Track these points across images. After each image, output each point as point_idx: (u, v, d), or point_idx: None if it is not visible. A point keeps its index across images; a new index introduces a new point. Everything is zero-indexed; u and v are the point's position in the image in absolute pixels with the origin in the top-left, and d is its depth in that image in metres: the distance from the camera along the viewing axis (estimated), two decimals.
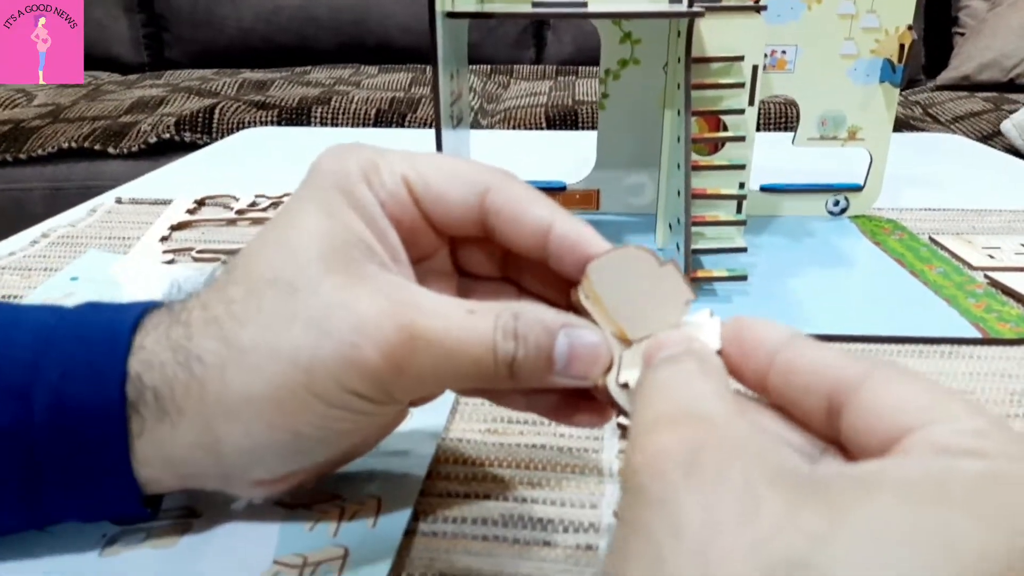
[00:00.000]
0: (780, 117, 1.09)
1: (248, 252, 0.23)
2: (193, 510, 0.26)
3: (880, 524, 0.13)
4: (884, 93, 0.55)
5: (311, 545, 0.25)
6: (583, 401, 0.24)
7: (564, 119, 1.21)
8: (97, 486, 0.23)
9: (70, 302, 0.42)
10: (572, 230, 0.23)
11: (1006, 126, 1.20)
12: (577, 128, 1.19)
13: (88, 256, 0.48)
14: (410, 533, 0.26)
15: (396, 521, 0.26)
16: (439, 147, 0.43)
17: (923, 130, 1.19)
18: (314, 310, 0.21)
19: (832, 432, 0.18)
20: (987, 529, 0.13)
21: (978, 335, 0.39)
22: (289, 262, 0.22)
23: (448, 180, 0.24)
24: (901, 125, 1.20)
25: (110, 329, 0.23)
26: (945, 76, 1.65)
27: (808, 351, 0.19)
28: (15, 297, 0.45)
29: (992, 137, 1.24)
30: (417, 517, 0.27)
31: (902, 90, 1.58)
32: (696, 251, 0.44)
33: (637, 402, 0.18)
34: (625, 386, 0.21)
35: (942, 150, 0.86)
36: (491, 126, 1.25)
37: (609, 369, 0.22)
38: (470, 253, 0.26)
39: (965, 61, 1.62)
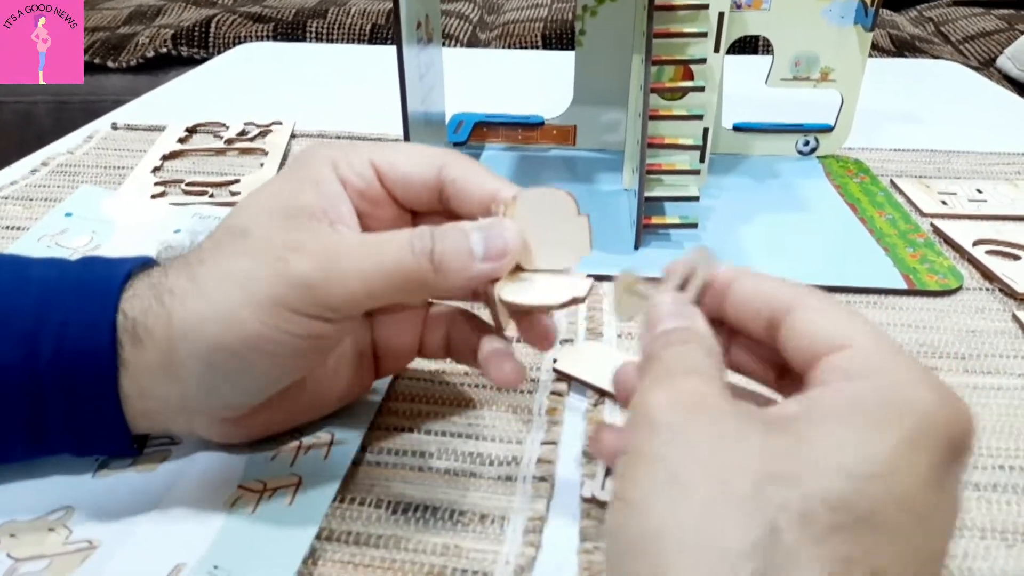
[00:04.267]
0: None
1: (223, 218, 0.27)
2: (172, 440, 0.31)
3: (822, 439, 0.18)
4: (857, 35, 0.55)
5: (271, 472, 0.29)
6: (507, 361, 0.28)
7: (560, 37, 1.19)
8: (92, 420, 0.27)
9: (65, 238, 0.46)
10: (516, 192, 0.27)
11: (1002, 60, 1.19)
12: (572, 46, 1.18)
13: (81, 192, 0.51)
14: (356, 463, 0.30)
15: (345, 452, 0.30)
16: (401, 70, 0.43)
17: (927, 53, 1.17)
18: (259, 244, 0.25)
19: (775, 346, 0.23)
20: (863, 435, 0.18)
21: (904, 286, 0.42)
22: (245, 215, 0.26)
23: (409, 160, 0.28)
24: (905, 47, 1.18)
25: (104, 283, 0.26)
26: None
27: (751, 282, 0.23)
28: (17, 228, 0.48)
29: (996, 60, 1.22)
30: (364, 449, 0.31)
31: (916, 5, 1.53)
32: (650, 198, 0.46)
33: (653, 366, 0.22)
34: (501, 302, 0.26)
35: (935, 81, 0.85)
36: (488, 42, 1.23)
37: (494, 283, 0.26)
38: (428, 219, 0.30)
39: None
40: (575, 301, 0.26)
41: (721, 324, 0.24)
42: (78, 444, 0.28)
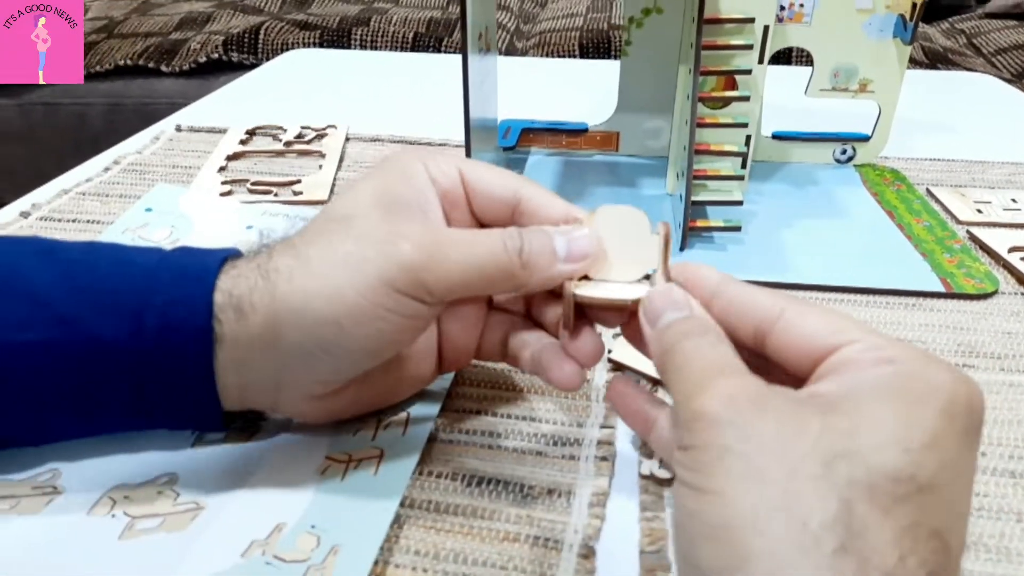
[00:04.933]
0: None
1: (323, 208, 0.30)
2: (261, 415, 0.33)
3: (877, 415, 0.20)
4: (896, 48, 0.57)
5: (354, 445, 0.32)
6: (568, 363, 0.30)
7: (598, 46, 1.22)
8: (188, 393, 0.29)
9: (147, 231, 0.49)
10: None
11: None
12: (609, 55, 1.21)
13: (158, 189, 0.55)
14: (431, 440, 0.33)
15: (421, 430, 0.33)
16: (465, 78, 0.46)
17: (959, 65, 1.18)
18: (365, 228, 0.28)
19: (760, 352, 0.25)
20: (906, 412, 0.20)
21: (942, 289, 0.44)
22: (347, 204, 0.29)
23: (493, 177, 0.31)
24: (938, 59, 1.19)
25: (202, 266, 0.29)
26: (995, 3, 1.59)
27: (737, 291, 0.26)
28: (97, 222, 0.51)
29: None
30: (438, 428, 0.33)
31: (948, 17, 1.54)
32: (696, 203, 0.48)
33: (677, 360, 0.24)
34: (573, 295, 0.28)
35: (969, 92, 0.87)
36: (525, 51, 1.26)
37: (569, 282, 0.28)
38: None
39: None
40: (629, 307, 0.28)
41: None
42: (173, 417, 0.30)
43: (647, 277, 0.29)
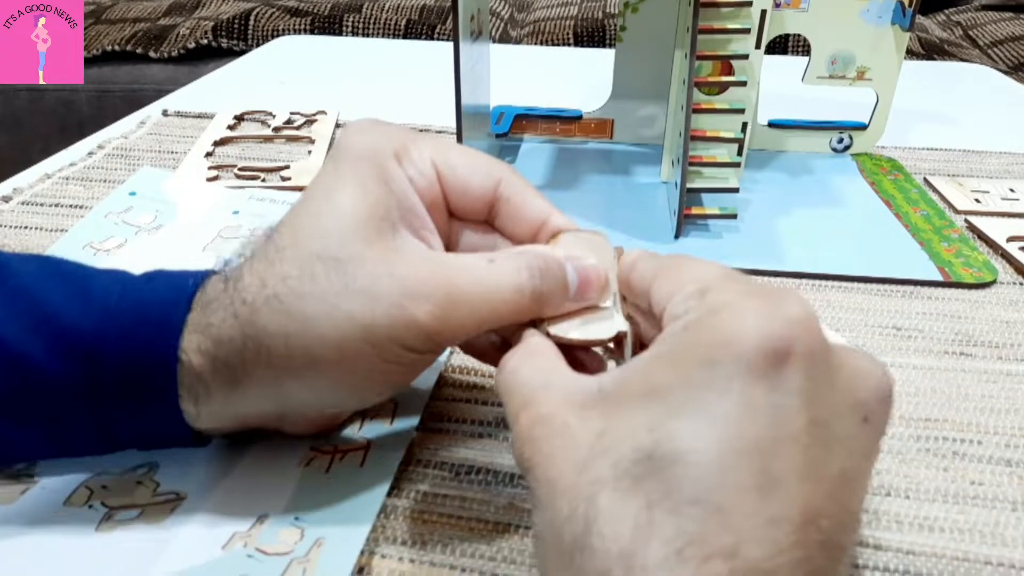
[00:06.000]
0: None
1: (293, 225, 0.26)
2: None
3: (631, 397, 0.20)
4: (894, 35, 0.57)
5: (340, 437, 0.31)
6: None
7: (592, 35, 1.21)
8: (159, 433, 0.28)
9: (130, 216, 0.48)
10: (566, 223, 0.28)
11: None
12: (604, 44, 1.20)
13: (143, 172, 0.53)
14: (419, 430, 0.32)
15: (408, 421, 0.32)
16: (457, 63, 0.45)
17: (956, 56, 1.17)
18: (362, 280, 0.24)
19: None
20: (660, 382, 0.20)
21: (940, 278, 0.43)
22: (332, 237, 0.25)
23: (471, 169, 0.28)
24: (933, 51, 1.18)
25: (165, 310, 0.26)
26: None
27: (636, 266, 0.25)
28: (80, 207, 0.50)
29: None
30: (426, 418, 0.33)
31: (944, 8, 1.53)
32: (691, 190, 0.47)
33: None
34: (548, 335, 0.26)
35: (965, 83, 0.86)
36: (519, 39, 1.25)
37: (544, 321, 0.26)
38: (467, 237, 0.30)
39: None
40: (620, 336, 0.26)
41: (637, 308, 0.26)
42: (146, 447, 0.29)
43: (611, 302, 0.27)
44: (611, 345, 0.26)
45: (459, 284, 0.24)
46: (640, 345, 0.26)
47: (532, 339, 0.25)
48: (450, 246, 0.29)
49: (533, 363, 0.23)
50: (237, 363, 0.25)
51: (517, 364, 0.24)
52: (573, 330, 0.25)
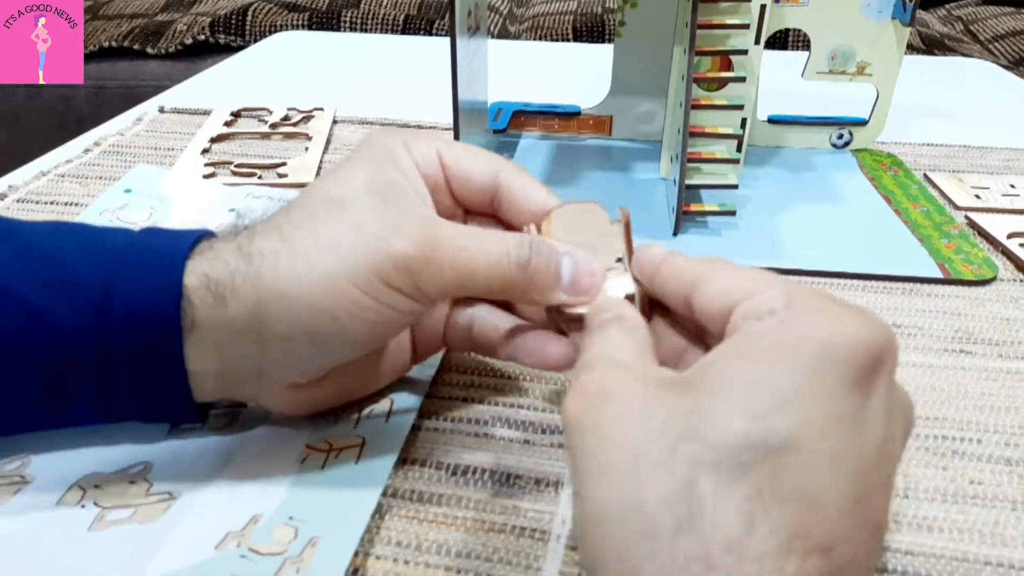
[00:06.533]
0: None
1: (308, 189, 0.28)
2: (238, 405, 0.32)
3: (728, 383, 0.20)
4: (895, 30, 0.56)
5: (335, 433, 0.31)
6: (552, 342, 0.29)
7: (591, 30, 1.20)
8: (158, 385, 0.28)
9: (125, 213, 0.47)
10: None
11: None
12: (603, 39, 1.20)
13: (138, 169, 0.53)
14: (416, 428, 0.32)
15: (405, 418, 0.32)
16: (454, 58, 0.45)
17: (956, 51, 1.17)
18: (357, 215, 0.26)
19: (693, 317, 0.24)
20: (760, 372, 0.19)
21: (940, 275, 0.43)
22: (338, 186, 0.27)
23: (472, 159, 0.30)
24: (934, 45, 1.18)
25: (169, 254, 0.27)
26: None
27: (669, 263, 0.25)
28: (76, 204, 0.50)
29: None
30: (422, 416, 0.32)
31: (945, 3, 1.52)
32: (690, 186, 0.47)
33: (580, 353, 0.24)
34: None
35: (966, 78, 0.86)
36: (518, 35, 1.25)
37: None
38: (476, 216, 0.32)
39: None
40: (629, 297, 0.27)
41: (663, 309, 0.26)
42: (145, 410, 0.29)
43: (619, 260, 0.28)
44: None
45: (448, 229, 0.26)
46: (648, 308, 0.27)
47: (622, 311, 0.25)
48: None
49: (619, 335, 0.24)
50: (227, 281, 0.26)
51: (603, 329, 0.24)
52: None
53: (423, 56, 0.90)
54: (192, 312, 0.26)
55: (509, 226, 0.31)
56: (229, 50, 1.16)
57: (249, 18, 1.22)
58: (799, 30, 0.58)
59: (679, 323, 0.27)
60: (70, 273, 0.27)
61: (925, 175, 0.57)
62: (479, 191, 0.30)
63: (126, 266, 0.27)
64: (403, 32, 1.21)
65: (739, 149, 0.51)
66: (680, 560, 0.17)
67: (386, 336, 0.29)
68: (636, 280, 0.27)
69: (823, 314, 0.20)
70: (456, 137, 0.47)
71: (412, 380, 0.34)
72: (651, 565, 0.18)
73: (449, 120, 0.46)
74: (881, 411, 0.20)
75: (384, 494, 0.28)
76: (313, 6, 1.25)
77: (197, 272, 0.26)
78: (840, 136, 0.62)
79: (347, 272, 0.25)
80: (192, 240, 0.27)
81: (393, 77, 0.82)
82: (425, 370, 0.34)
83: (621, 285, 0.27)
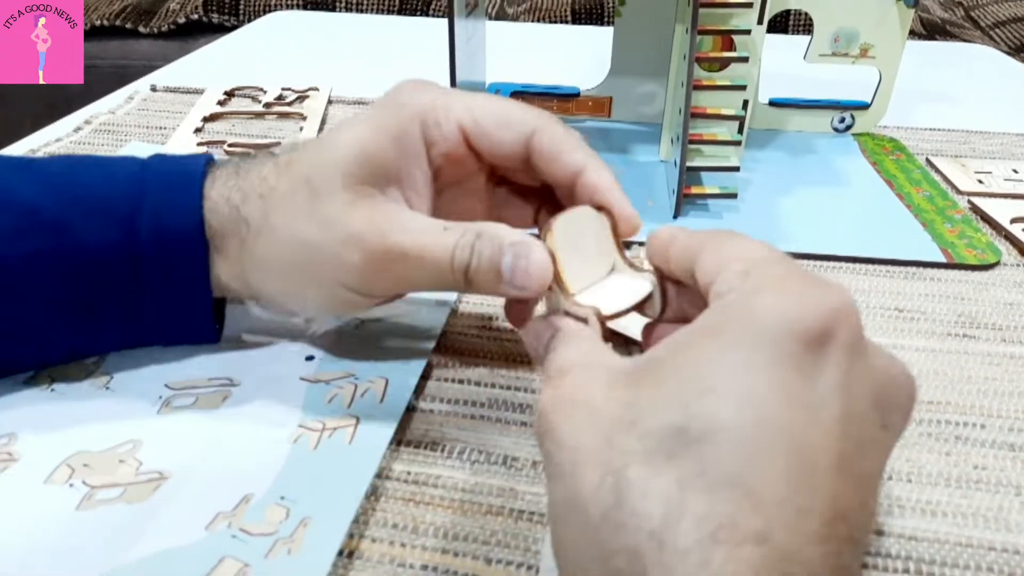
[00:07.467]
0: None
1: (307, 144, 0.30)
2: (232, 380, 0.32)
3: (667, 371, 0.19)
4: (899, 12, 0.55)
5: (329, 413, 0.30)
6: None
7: (590, 12, 1.19)
8: (183, 296, 0.30)
9: None
10: (598, 178, 0.28)
11: None
12: (602, 22, 1.18)
13: (130, 147, 0.52)
14: (411, 410, 0.31)
15: (400, 398, 0.31)
16: (451, 37, 0.44)
17: (957, 37, 1.16)
18: (326, 214, 0.28)
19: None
20: (695, 359, 0.19)
21: (943, 260, 0.43)
22: (322, 169, 0.28)
23: (500, 126, 0.29)
24: (935, 31, 1.17)
25: (187, 174, 0.30)
26: None
27: (677, 239, 0.25)
28: None
29: None
30: (418, 397, 0.32)
31: None
32: (691, 168, 0.46)
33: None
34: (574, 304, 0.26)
35: (967, 63, 0.85)
36: (516, 17, 1.23)
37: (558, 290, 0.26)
38: (511, 172, 0.31)
39: None
40: (648, 298, 0.27)
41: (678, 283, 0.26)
42: (168, 328, 0.32)
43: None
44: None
45: (397, 243, 0.27)
46: (665, 301, 0.27)
47: (568, 324, 0.25)
48: (491, 209, 0.32)
49: (571, 344, 0.23)
50: (220, 235, 0.29)
51: (555, 344, 0.24)
52: (599, 301, 0.26)
53: (420, 36, 0.89)
54: (216, 222, 0.29)
55: (543, 183, 0.30)
56: (223, 30, 1.14)
57: None
58: (800, 13, 0.57)
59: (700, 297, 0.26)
60: (95, 194, 0.29)
61: (928, 159, 0.56)
62: (509, 159, 0.30)
63: (148, 185, 0.29)
64: (399, 12, 1.19)
65: (740, 131, 0.50)
66: (608, 551, 0.17)
67: (354, 309, 0.33)
68: (652, 271, 0.26)
69: (769, 290, 0.19)
70: None
71: (407, 359, 0.33)
72: (586, 557, 0.18)
73: None
74: (835, 386, 0.18)
75: (379, 476, 0.28)
76: None
77: (212, 196, 0.29)
78: (842, 120, 0.61)
79: (309, 266, 0.28)
80: (202, 163, 0.30)
81: (389, 57, 0.81)
82: (422, 350, 0.34)
83: (634, 288, 0.27)
